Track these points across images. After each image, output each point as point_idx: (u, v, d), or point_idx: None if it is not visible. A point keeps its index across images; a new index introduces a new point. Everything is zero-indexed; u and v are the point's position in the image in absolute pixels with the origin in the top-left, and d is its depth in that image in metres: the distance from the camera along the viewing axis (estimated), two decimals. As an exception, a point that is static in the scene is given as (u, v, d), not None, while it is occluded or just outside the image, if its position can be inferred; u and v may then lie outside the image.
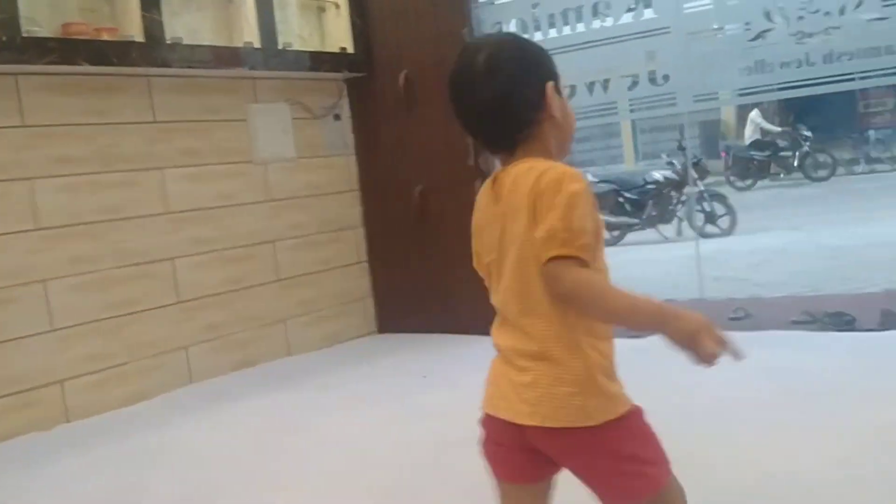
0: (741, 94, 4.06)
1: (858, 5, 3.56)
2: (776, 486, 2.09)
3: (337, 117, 4.48)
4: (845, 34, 3.62)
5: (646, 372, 3.23)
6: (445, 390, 3.34)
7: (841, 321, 3.76)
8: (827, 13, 3.62)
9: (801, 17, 3.69)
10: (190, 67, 3.67)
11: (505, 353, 1.37)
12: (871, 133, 15.29)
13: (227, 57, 3.86)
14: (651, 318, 1.23)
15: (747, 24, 3.85)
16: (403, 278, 4.52)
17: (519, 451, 1.36)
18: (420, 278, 4.46)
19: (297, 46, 4.28)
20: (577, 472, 1.34)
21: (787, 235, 7.62)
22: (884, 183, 12.53)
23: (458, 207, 4.24)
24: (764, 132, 14.70)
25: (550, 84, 1.38)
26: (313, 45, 4.47)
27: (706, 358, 1.17)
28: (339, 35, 4.47)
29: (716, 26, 4.09)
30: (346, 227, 4.56)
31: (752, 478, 2.16)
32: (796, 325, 3.88)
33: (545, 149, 1.38)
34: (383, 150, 4.48)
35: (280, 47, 4.16)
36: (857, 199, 10.67)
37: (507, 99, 1.35)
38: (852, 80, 3.70)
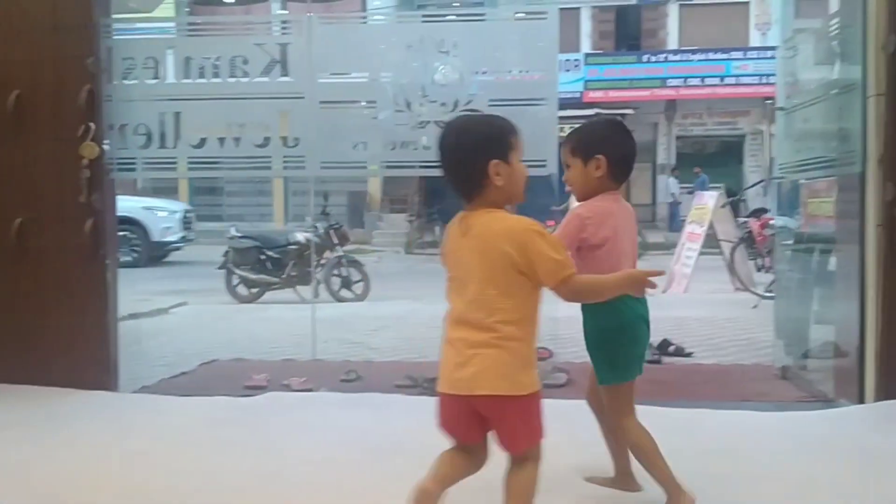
0: (387, 167, 4.30)
1: (468, 102, 3.97)
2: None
3: (-75, 130, 3.90)
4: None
5: (248, 430, 3.23)
6: (8, 448, 2.99)
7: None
8: (443, 104, 3.98)
9: (421, 105, 4.01)
10: None
11: (455, 343, 2.02)
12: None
13: None
14: (615, 288, 2.15)
15: (372, 102, 4.10)
16: (-11, 321, 3.99)
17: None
18: (10, 322, 3.97)
19: None
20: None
21: (409, 304, 8.13)
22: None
23: (62, 246, 3.94)
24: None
25: (493, 162, 2.02)
26: None
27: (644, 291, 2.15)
28: (-61, 39, 3.93)
29: (356, 99, 4.31)
30: (-79, 255, 3.93)
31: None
32: (399, 388, 4.10)
33: (494, 202, 2.06)
34: (-21, 174, 3.97)
35: None
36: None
37: (455, 174, 2.08)
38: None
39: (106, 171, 3.94)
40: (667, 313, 7.00)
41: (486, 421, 2.03)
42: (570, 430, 3.28)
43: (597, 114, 20.54)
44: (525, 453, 2.06)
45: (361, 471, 2.74)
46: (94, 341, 3.92)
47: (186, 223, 14.00)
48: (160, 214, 13.36)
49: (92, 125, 3.83)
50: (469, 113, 2.38)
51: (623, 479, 2.62)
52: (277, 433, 3.18)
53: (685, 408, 3.57)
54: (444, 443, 2.98)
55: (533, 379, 2.02)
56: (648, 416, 3.39)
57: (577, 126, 2.56)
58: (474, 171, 2.02)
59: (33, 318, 3.94)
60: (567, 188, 2.56)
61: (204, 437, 3.15)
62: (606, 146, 2.48)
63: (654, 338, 5.18)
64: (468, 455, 2.10)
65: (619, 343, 2.43)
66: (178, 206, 14.63)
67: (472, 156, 2.02)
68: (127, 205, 12.43)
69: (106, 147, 3.93)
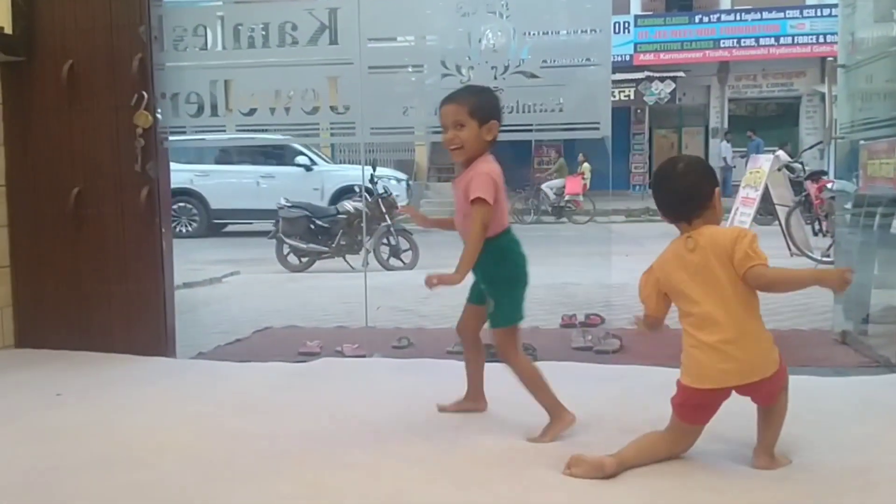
0: (432, 132, 4.25)
1: (519, 65, 3.90)
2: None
3: (-16, 102, 3.98)
4: (510, 90, 3.94)
5: (305, 394, 3.28)
6: (76, 411, 3.06)
7: (488, 352, 4.03)
8: (493, 67, 3.92)
9: (471, 68, 3.96)
10: None
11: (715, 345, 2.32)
12: (541, 188, 16.98)
13: None
14: (806, 281, 2.36)
15: (422, 65, 4.06)
16: (51, 288, 4.09)
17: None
18: (70, 290, 4.07)
19: (-60, 16, 3.77)
20: None
21: (457, 273, 8.11)
22: (547, 233, 13.95)
23: (119, 214, 4.01)
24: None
25: (717, 189, 2.41)
26: (-38, 18, 3.95)
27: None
28: (-5, 11, 3.99)
29: (404, 64, 4.27)
30: (-15, 225, 4.04)
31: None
32: (450, 354, 4.10)
33: (708, 222, 2.40)
34: (38, 145, 4.05)
35: (-83, 13, 3.63)
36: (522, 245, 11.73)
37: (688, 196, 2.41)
38: (530, 130, 4.02)
39: (159, 140, 3.99)
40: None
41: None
42: (626, 390, 3.27)
43: (647, 77, 20.25)
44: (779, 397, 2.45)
45: (420, 433, 2.74)
46: (152, 308, 4.00)
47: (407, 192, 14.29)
48: (392, 183, 13.11)
49: (145, 94, 3.87)
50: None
51: (476, 400, 2.98)
52: (334, 397, 3.22)
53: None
54: (497, 406, 3.00)
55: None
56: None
57: (464, 88, 2.90)
58: (703, 199, 2.39)
59: (93, 285, 4.02)
60: (452, 146, 2.72)
61: (262, 401, 3.19)
62: (498, 112, 2.78)
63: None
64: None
65: (520, 289, 2.79)
66: (402, 175, 15.01)
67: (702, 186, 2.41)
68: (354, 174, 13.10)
69: (159, 116, 3.97)
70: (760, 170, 9.15)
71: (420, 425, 2.85)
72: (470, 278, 2.77)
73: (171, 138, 4.07)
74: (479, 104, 2.71)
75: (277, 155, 14.00)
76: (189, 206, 13.31)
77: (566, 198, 16.48)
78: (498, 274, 2.77)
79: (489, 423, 2.87)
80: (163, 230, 3.97)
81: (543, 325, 4.95)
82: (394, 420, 2.90)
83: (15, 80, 4.06)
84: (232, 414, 3.01)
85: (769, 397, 2.42)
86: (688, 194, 2.38)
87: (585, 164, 17.61)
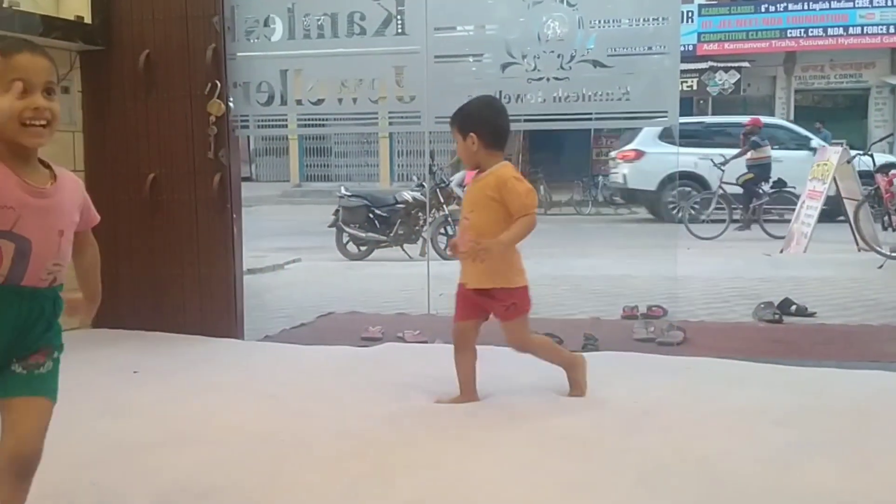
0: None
1: (584, 54, 3.90)
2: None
3: (65, 90, 4.12)
4: (575, 78, 3.94)
5: (370, 377, 3.34)
6: (153, 389, 3.18)
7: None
8: (559, 55, 3.92)
9: (537, 57, 3.97)
10: None
11: None
12: (601, 178, 16.83)
13: (-64, 7, 3.45)
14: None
15: (482, 54, 4.08)
16: (127, 271, 4.23)
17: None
18: (145, 272, 4.21)
19: (26, 7, 3.92)
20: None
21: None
22: (608, 224, 13.83)
23: (192, 200, 4.13)
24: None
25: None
26: (46, 9, 4.12)
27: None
28: (76, 2, 4.15)
29: (465, 53, 4.29)
30: (64, 209, 4.19)
31: (426, 491, 2.24)
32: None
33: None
34: (115, 131, 4.19)
35: (6, 5, 3.78)
36: (580, 236, 11.67)
37: None
38: (590, 118, 4.01)
39: (231, 128, 4.09)
40: (786, 273, 6.77)
41: None
42: (691, 381, 3.25)
43: (710, 67, 19.88)
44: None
45: (482, 417, 2.79)
46: (223, 292, 4.11)
47: None
48: None
49: (218, 83, 3.98)
50: None
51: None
52: (398, 380, 3.27)
53: (810, 367, 3.46)
54: (564, 389, 3.03)
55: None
56: (773, 374, 3.33)
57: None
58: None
59: (167, 268, 4.15)
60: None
61: (329, 383, 3.27)
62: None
63: (775, 297, 5.03)
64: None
65: None
66: None
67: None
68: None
69: (231, 104, 4.07)
70: (828, 162, 8.93)
71: (480, 408, 2.90)
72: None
73: (242, 130, 4.17)
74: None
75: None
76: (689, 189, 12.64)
77: None
78: None
79: (553, 409, 2.90)
80: (234, 216, 4.08)
81: (604, 315, 4.94)
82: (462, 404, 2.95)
83: (94, 68, 4.21)
84: (302, 395, 3.09)
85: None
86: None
87: None
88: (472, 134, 2.94)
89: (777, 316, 4.70)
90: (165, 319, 4.13)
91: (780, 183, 11.59)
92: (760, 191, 11.60)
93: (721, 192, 11.62)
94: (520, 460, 2.38)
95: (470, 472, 2.30)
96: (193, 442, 2.56)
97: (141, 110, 4.13)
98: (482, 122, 2.98)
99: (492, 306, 2.99)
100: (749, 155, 11.97)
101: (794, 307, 4.90)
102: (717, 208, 11.55)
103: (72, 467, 2.34)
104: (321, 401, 3.00)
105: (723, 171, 11.68)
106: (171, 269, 4.14)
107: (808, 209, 8.89)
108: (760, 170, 11.88)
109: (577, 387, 3.05)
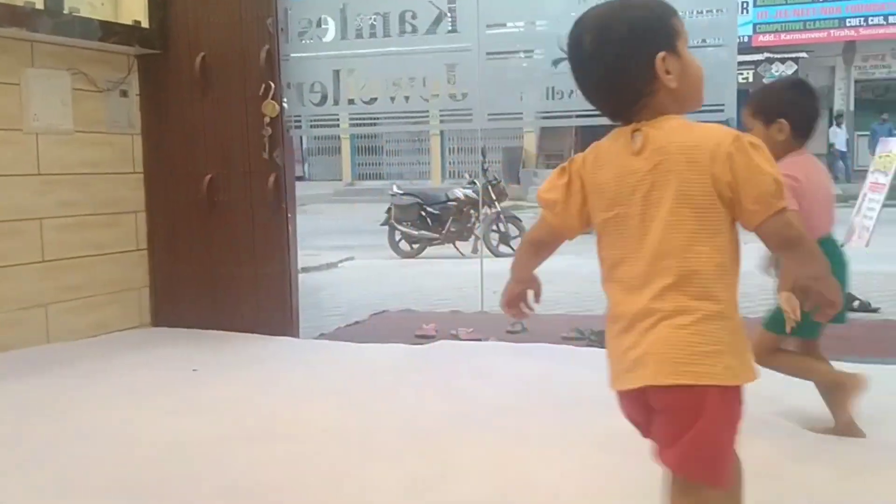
0: (541, 117, 4.25)
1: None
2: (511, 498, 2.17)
3: (124, 93, 4.22)
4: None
5: (428, 375, 3.35)
6: (214, 386, 3.22)
7: (604, 339, 4.00)
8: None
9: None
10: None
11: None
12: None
13: (3, 14, 3.54)
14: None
15: (532, 51, 4.04)
16: (184, 270, 4.31)
17: None
18: (202, 272, 4.27)
19: (85, 13, 4.01)
20: None
21: (570, 259, 8.05)
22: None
23: (248, 200, 4.18)
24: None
25: (661, 55, 1.42)
26: (104, 14, 4.21)
27: None
28: (134, 7, 4.23)
29: (516, 49, 4.27)
30: (125, 210, 4.28)
31: (487, 489, 2.23)
32: (566, 339, 4.10)
33: (664, 113, 1.44)
34: (172, 133, 4.27)
35: (66, 11, 3.87)
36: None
37: (612, 81, 1.45)
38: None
39: (286, 129, 4.13)
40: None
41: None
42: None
43: (766, 58, 19.46)
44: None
45: (542, 417, 2.77)
46: (279, 290, 4.16)
47: None
48: None
49: (272, 84, 4.02)
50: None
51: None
52: (456, 379, 3.27)
53: (877, 364, 3.35)
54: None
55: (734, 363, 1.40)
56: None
57: (760, 88, 2.60)
58: (638, 74, 1.43)
59: (224, 267, 4.21)
60: None
61: (387, 380, 3.28)
62: (788, 109, 2.47)
63: (838, 292, 4.89)
64: None
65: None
66: None
67: (634, 55, 1.43)
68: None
69: (285, 105, 4.11)
70: (892, 153, 8.67)
71: (539, 407, 2.88)
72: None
73: (297, 131, 4.21)
74: (763, 104, 2.53)
75: None
76: None
77: None
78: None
79: (609, 407, 2.86)
80: (288, 215, 4.12)
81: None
82: (514, 402, 2.94)
83: (151, 71, 4.29)
84: (361, 392, 3.11)
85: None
86: (607, 88, 1.50)
87: None
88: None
89: (840, 312, 4.57)
90: (222, 318, 4.19)
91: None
92: None
93: None
94: (581, 461, 2.36)
95: (529, 473, 2.28)
96: (256, 439, 2.59)
97: (197, 112, 4.20)
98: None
99: None
100: None
101: (856, 302, 4.77)
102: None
103: (135, 466, 2.39)
104: (380, 398, 3.01)
105: None
106: (228, 268, 4.19)
107: (871, 202, 8.64)
108: None
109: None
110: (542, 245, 1.65)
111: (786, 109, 2.47)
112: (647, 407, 1.43)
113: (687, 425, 1.37)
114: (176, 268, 4.34)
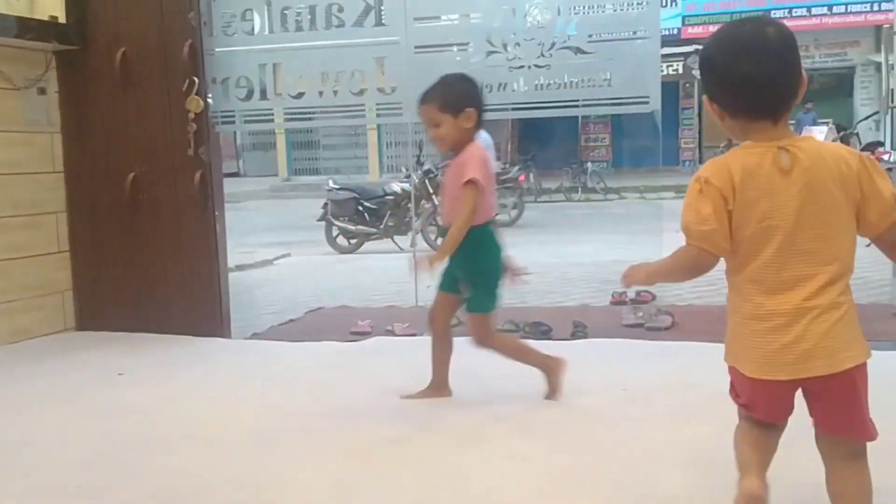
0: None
1: (565, 41, 3.86)
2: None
3: (42, 91, 4.08)
4: (556, 66, 3.91)
5: (360, 371, 3.33)
6: (140, 390, 3.15)
7: (538, 331, 4.04)
8: (540, 44, 3.89)
9: (518, 45, 3.93)
10: None
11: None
12: (589, 165, 16.83)
13: None
14: None
15: (467, 44, 4.04)
16: (109, 272, 4.20)
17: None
18: (128, 273, 4.17)
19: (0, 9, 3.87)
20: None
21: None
22: (596, 210, 13.83)
23: (174, 198, 4.09)
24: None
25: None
26: (20, 10, 4.06)
27: None
28: (50, 2, 4.09)
29: (449, 43, 4.26)
30: (45, 211, 4.15)
31: (415, 489, 2.22)
32: (500, 332, 4.11)
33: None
34: (93, 131, 4.15)
35: (-23, 8, 3.73)
36: (569, 223, 11.68)
37: (787, 75, 1.60)
38: (575, 105, 3.98)
39: (211, 125, 4.05)
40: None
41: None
42: (680, 367, 3.24)
43: (696, 50, 19.82)
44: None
45: (470, 411, 2.77)
46: (207, 290, 4.08)
47: None
48: None
49: (196, 79, 3.93)
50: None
51: (440, 388, 2.91)
52: (388, 374, 3.26)
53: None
54: (542, 382, 3.01)
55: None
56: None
57: (436, 83, 2.78)
58: (800, 74, 1.62)
59: (150, 268, 4.12)
60: (436, 142, 2.80)
61: (317, 379, 3.25)
62: (471, 99, 2.75)
63: (763, 278, 5.02)
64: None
65: (496, 280, 2.80)
66: None
67: (797, 53, 1.63)
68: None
69: (210, 101, 4.03)
70: (815, 142, 8.92)
71: (467, 400, 2.89)
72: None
73: (223, 127, 4.13)
74: (448, 98, 2.73)
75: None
76: None
77: None
78: (476, 263, 2.78)
79: (542, 399, 2.88)
80: (216, 213, 4.04)
81: (594, 302, 4.93)
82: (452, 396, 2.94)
83: (70, 68, 4.16)
84: (289, 392, 3.07)
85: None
86: (789, 78, 1.62)
87: None
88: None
89: (765, 298, 4.68)
90: (150, 320, 4.09)
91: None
92: None
93: None
94: (509, 453, 2.37)
95: (459, 467, 2.29)
96: (181, 442, 2.55)
97: (119, 109, 4.08)
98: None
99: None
100: None
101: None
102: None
103: (58, 472, 2.33)
104: (308, 398, 2.98)
105: None
106: (155, 268, 4.10)
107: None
108: None
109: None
110: (698, 274, 1.72)
111: (470, 99, 2.74)
112: (793, 392, 1.66)
113: (858, 396, 1.63)
114: (100, 270, 4.23)
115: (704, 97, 1.73)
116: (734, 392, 1.78)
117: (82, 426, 2.74)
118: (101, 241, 4.20)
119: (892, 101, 4.17)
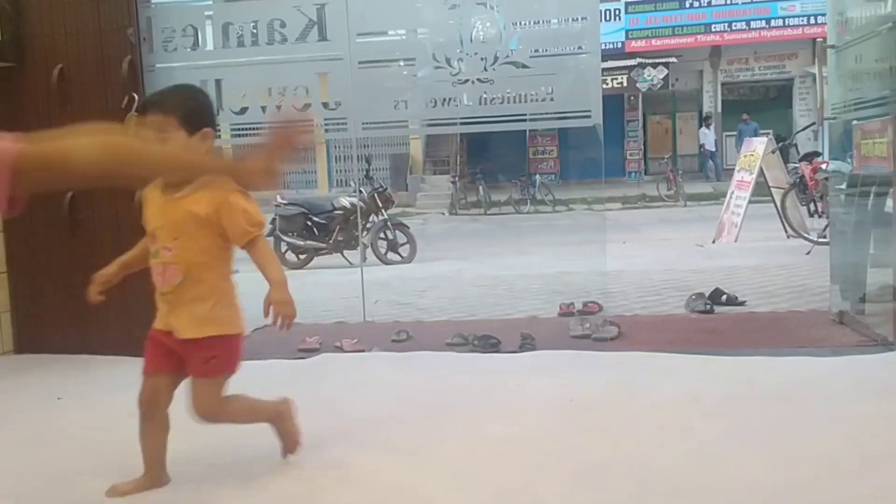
0: (426, 124, 4.27)
1: (508, 56, 3.91)
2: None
3: (-25, 109, 3.98)
4: (499, 80, 3.94)
5: (304, 391, 3.27)
6: (78, 414, 3.07)
7: (487, 343, 4.05)
8: (483, 58, 3.93)
9: (461, 60, 3.97)
10: None
11: None
12: (538, 177, 17.00)
13: None
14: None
15: (415, 59, 4.06)
16: (48, 293, 4.09)
17: None
18: (67, 294, 4.05)
19: (-72, 24, 3.77)
20: None
21: (455, 265, 8.13)
22: (544, 222, 13.96)
23: (113, 217, 4.01)
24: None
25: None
26: (-49, 26, 3.95)
27: None
28: (-17, 18, 3.99)
29: (395, 58, 4.27)
30: (-20, 232, 4.04)
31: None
32: (450, 346, 4.12)
33: None
34: (30, 150, 4.05)
35: None
36: (519, 235, 11.76)
37: None
38: (523, 120, 4.02)
39: (152, 142, 3.98)
40: (718, 263, 6.90)
41: None
42: (625, 377, 3.28)
43: (639, 63, 20.20)
44: None
45: (420, 428, 2.76)
46: (149, 311, 3.98)
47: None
48: None
49: (136, 96, 3.87)
50: None
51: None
52: (334, 393, 3.23)
53: (741, 356, 3.52)
54: (505, 394, 3.02)
55: None
56: (704, 364, 3.38)
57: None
58: None
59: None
60: None
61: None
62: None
63: (706, 287, 5.12)
64: None
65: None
66: None
67: None
68: None
69: (150, 118, 3.96)
70: (755, 153, 9.15)
71: (416, 417, 2.87)
72: None
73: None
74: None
75: None
76: None
77: None
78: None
79: (488, 413, 2.89)
80: (158, 232, 3.96)
81: (541, 314, 4.96)
82: (394, 412, 2.92)
83: (5, 85, 4.05)
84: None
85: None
86: None
87: None
88: (207, 129, 2.26)
89: (708, 306, 4.78)
90: (90, 341, 4.00)
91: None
92: None
93: None
94: (453, 469, 2.37)
95: (403, 485, 2.28)
96: (123, 470, 2.48)
97: (56, 126, 3.90)
98: (210, 116, 2.32)
99: (191, 356, 2.36)
100: None
101: (724, 297, 4.99)
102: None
103: (-9, 501, 2.25)
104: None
105: None
106: (95, 289, 4.01)
107: (738, 199, 9.10)
108: None
109: (289, 438, 2.48)
110: None
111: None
112: None
113: None
114: (39, 291, 4.12)
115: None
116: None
117: (21, 453, 2.67)
118: (39, 262, 4.09)
119: (827, 113, 4.28)
